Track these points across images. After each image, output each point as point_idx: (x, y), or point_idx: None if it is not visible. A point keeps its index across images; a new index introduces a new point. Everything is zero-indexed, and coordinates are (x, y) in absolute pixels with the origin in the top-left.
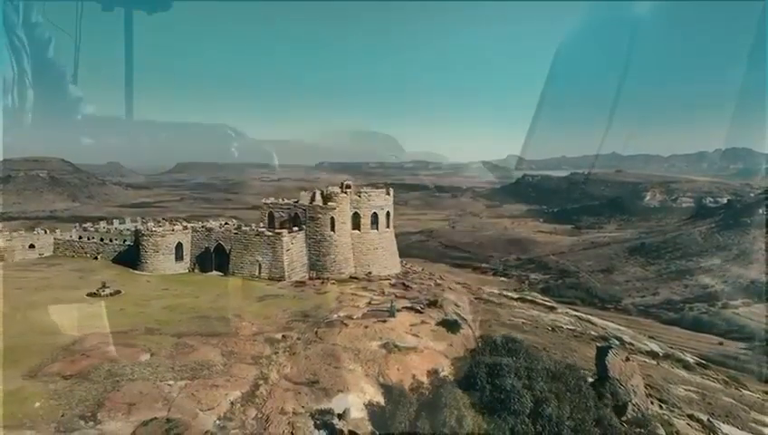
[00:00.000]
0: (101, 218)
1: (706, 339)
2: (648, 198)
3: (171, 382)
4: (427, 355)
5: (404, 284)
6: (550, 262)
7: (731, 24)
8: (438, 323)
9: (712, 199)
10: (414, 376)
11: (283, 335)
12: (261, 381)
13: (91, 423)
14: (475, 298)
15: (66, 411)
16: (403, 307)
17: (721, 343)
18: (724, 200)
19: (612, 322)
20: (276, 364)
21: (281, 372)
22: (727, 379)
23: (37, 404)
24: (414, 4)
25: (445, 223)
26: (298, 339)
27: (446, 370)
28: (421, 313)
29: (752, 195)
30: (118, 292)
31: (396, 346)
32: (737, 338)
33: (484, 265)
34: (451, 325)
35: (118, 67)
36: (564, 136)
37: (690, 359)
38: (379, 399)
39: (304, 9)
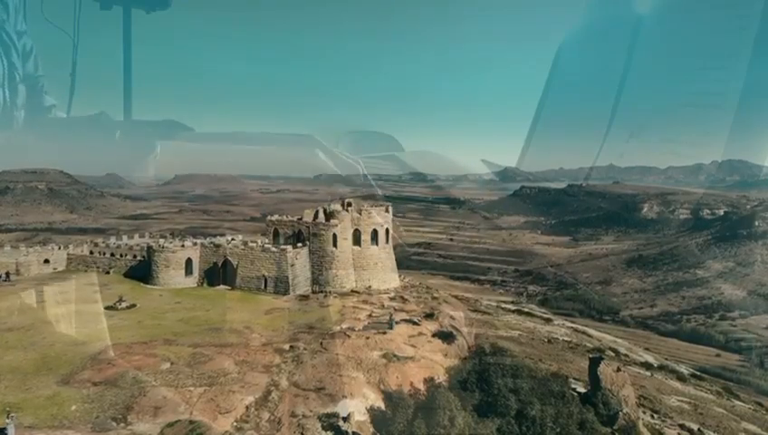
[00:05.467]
0: (99, 230)
1: (704, 351)
2: (645, 209)
3: (191, 388)
4: (424, 364)
5: (402, 297)
6: (548, 274)
7: (730, 28)
8: (434, 335)
9: (709, 211)
10: (411, 383)
11: (290, 346)
12: (272, 388)
13: (123, 424)
14: (473, 310)
15: (99, 414)
16: (401, 320)
17: (718, 355)
18: (721, 212)
19: (609, 334)
20: (286, 372)
21: (290, 379)
22: (721, 390)
23: (73, 407)
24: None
25: (443, 235)
26: (304, 349)
27: (440, 377)
28: (418, 325)
29: (748, 207)
30: (134, 305)
31: (395, 356)
32: (735, 350)
33: (482, 277)
34: (446, 337)
35: (116, 66)
36: (562, 147)
37: (684, 370)
38: (380, 404)
39: (304, 8)
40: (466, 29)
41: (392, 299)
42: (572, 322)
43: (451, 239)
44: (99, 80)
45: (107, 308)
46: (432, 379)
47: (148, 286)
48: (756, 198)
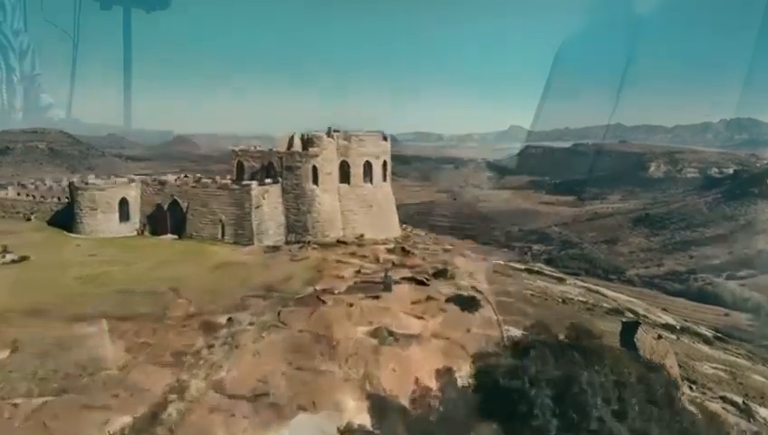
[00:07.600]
0: None
1: (712, 310)
2: (652, 168)
3: (19, 400)
4: (436, 347)
5: (404, 249)
6: (552, 233)
7: None
8: (449, 300)
9: (717, 170)
10: (417, 380)
11: (228, 318)
12: (172, 396)
13: None
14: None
15: None
16: (402, 278)
17: (727, 315)
18: (730, 171)
19: (621, 293)
20: (205, 365)
21: (210, 377)
22: (751, 354)
23: None
24: None
25: (446, 195)
26: (249, 324)
27: (463, 369)
28: (426, 285)
29: (758, 165)
30: (24, 258)
31: (391, 333)
32: (743, 309)
33: (486, 236)
34: (467, 303)
35: (116, 66)
36: (568, 107)
37: (707, 332)
38: (364, 419)
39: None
40: (467, 7)
41: (390, 251)
42: (583, 281)
43: (454, 199)
44: (99, 80)
45: None
46: (450, 372)
47: (72, 235)
48: (766, 156)
